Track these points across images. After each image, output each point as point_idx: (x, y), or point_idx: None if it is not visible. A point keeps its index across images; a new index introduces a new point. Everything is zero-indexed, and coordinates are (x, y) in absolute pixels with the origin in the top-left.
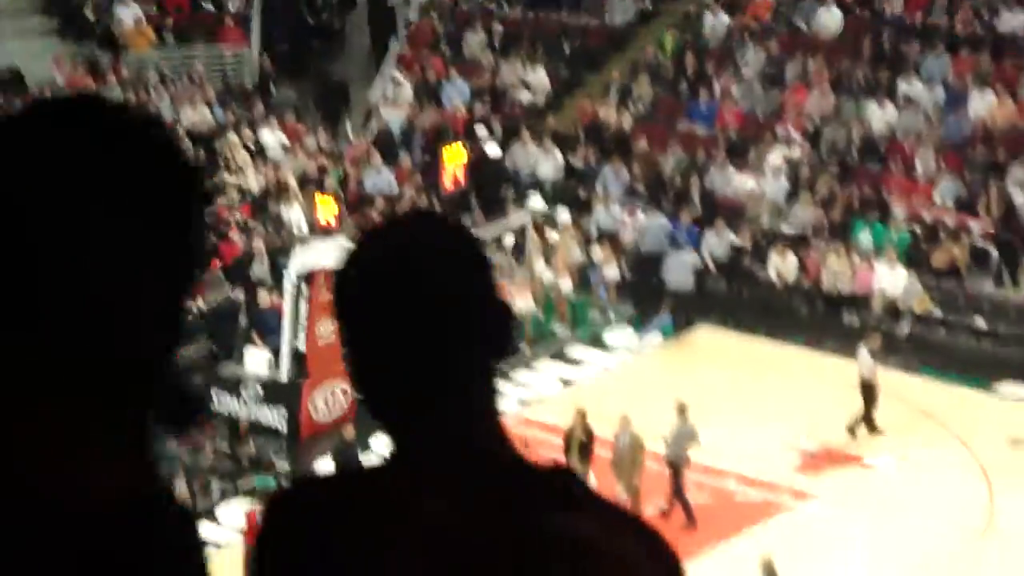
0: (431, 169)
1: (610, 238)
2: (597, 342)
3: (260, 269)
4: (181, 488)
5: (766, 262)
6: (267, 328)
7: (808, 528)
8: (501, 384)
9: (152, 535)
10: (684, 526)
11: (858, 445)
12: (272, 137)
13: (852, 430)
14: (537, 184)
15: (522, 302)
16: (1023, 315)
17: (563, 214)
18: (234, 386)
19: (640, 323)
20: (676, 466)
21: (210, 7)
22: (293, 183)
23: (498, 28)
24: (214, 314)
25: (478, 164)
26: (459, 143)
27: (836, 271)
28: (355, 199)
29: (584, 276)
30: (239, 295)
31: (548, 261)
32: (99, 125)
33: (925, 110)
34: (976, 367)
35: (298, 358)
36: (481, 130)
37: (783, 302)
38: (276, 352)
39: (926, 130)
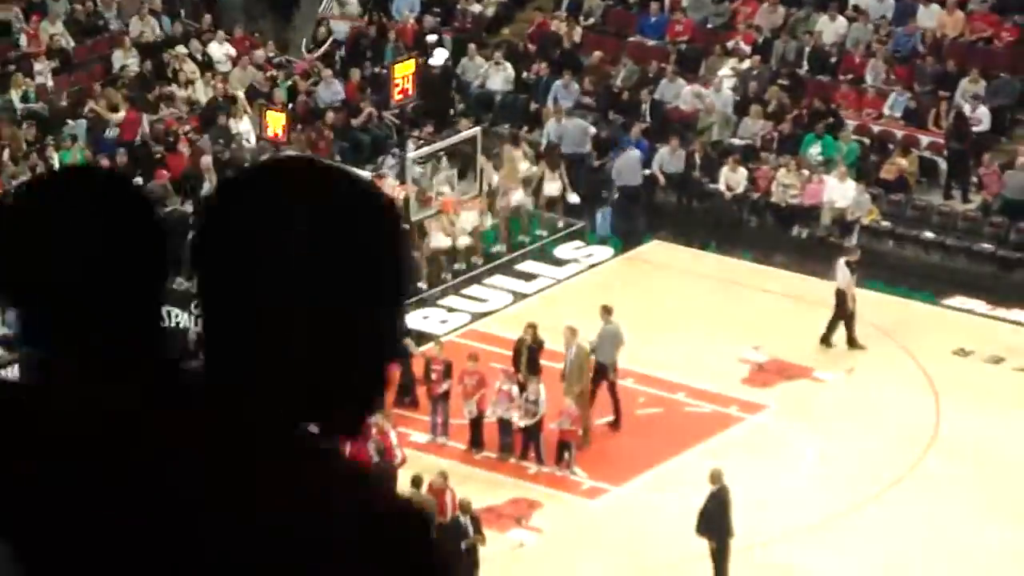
0: (380, 82)
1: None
2: (548, 256)
3: (208, 186)
4: None
5: (716, 175)
6: None
7: (757, 440)
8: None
9: None
10: (610, 425)
11: (809, 358)
12: (220, 49)
13: (827, 340)
14: (487, 97)
15: (473, 216)
16: (971, 227)
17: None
18: (184, 300)
19: (590, 235)
20: (604, 368)
21: None
22: (242, 96)
23: None
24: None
25: (427, 76)
26: (410, 58)
27: (786, 184)
28: (304, 112)
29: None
30: (187, 208)
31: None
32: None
33: (875, 22)
34: (924, 279)
35: None
36: (430, 39)
37: (733, 215)
38: None
39: (876, 42)
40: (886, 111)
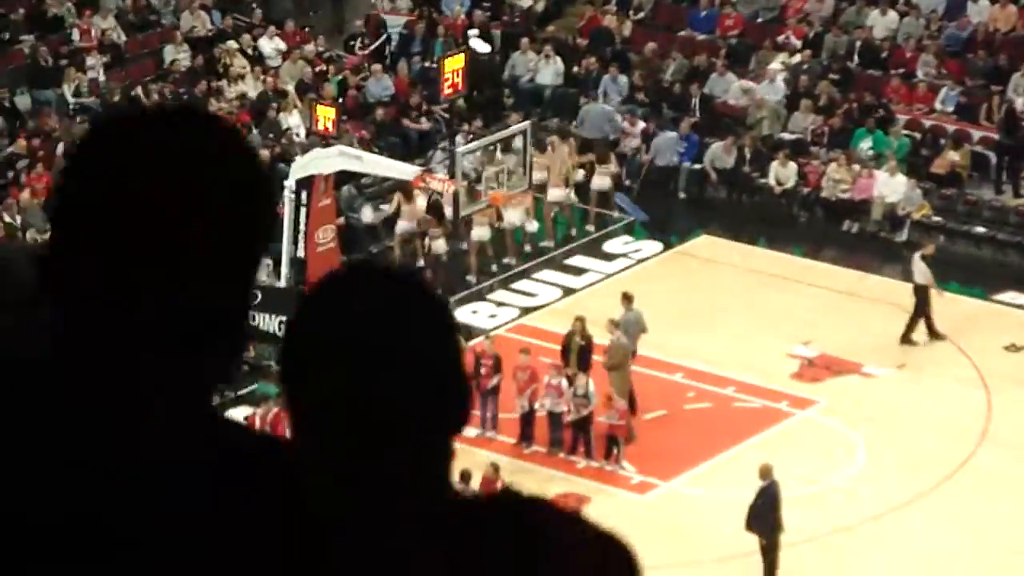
0: (430, 76)
1: (610, 146)
2: (597, 251)
3: None
4: None
5: (766, 170)
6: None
7: (807, 436)
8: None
9: None
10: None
11: (860, 354)
12: (270, 44)
13: (907, 338)
14: (537, 91)
15: (519, 212)
16: (1022, 222)
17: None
18: None
19: (641, 232)
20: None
21: None
22: (292, 90)
23: None
24: None
25: (476, 70)
26: (459, 52)
27: (836, 179)
28: (354, 106)
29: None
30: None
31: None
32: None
33: (926, 16)
34: (975, 275)
35: (297, 264)
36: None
37: (783, 210)
38: (275, 259)
39: (927, 36)
40: (937, 105)
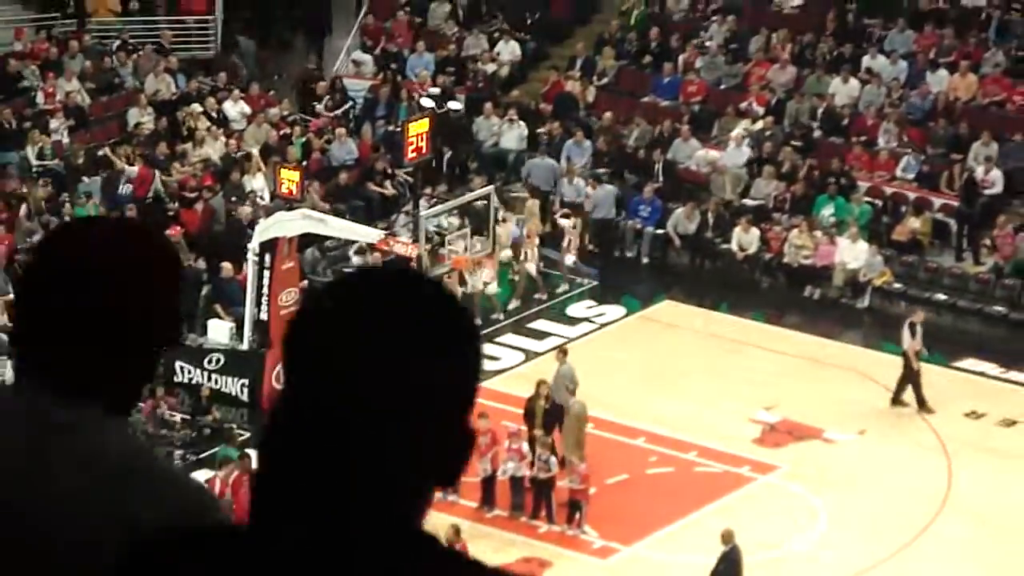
0: (394, 140)
1: (574, 210)
2: (561, 315)
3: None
4: None
5: (729, 235)
6: (229, 298)
7: (769, 501)
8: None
9: None
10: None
11: (821, 419)
12: (235, 107)
13: (897, 399)
14: (501, 155)
15: (484, 275)
16: (983, 290)
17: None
18: (197, 355)
19: (601, 296)
20: (559, 409)
21: None
22: (256, 153)
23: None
24: None
25: (448, 128)
26: (424, 116)
27: (798, 245)
28: (317, 169)
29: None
30: (201, 264)
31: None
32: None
33: (888, 85)
34: (936, 342)
35: (260, 327)
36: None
37: (746, 275)
38: (239, 322)
39: (888, 104)
40: (899, 173)
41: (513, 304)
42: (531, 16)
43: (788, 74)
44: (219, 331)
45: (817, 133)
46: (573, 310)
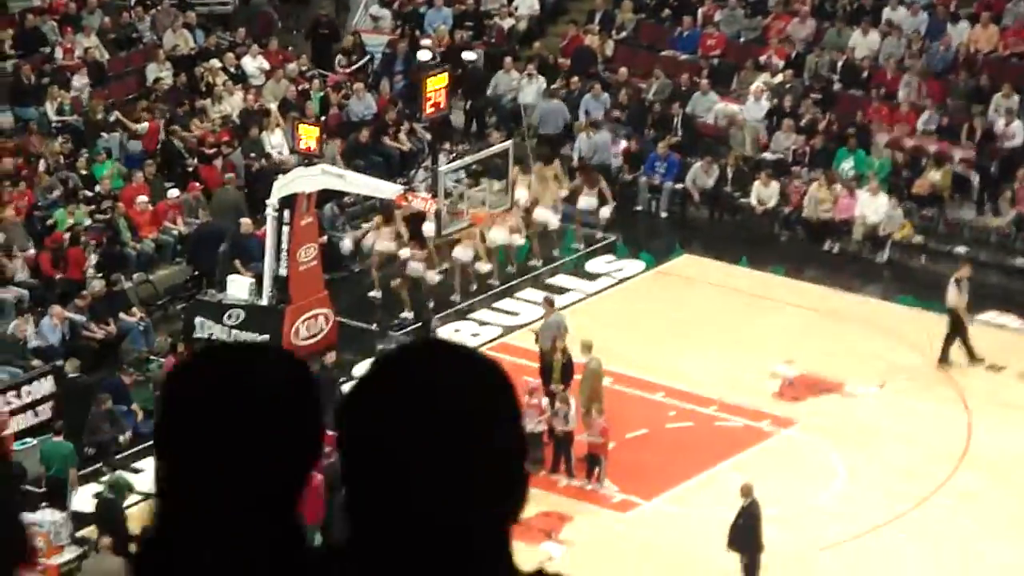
0: (412, 95)
1: (592, 165)
2: (580, 270)
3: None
4: None
5: (748, 190)
6: (249, 254)
7: (789, 455)
8: None
9: None
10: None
11: (841, 373)
12: (253, 62)
13: (944, 358)
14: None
15: (501, 231)
16: (1003, 243)
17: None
18: (216, 311)
19: (625, 251)
20: (546, 356)
21: None
22: (275, 109)
23: None
24: (196, 240)
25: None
26: (442, 71)
27: (818, 198)
28: (336, 125)
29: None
30: (221, 221)
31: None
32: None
33: (908, 37)
34: None
35: (279, 283)
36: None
37: (765, 230)
38: (258, 277)
39: (908, 57)
40: (919, 126)
41: (532, 261)
42: None
43: (808, 27)
44: (239, 287)
45: (837, 86)
46: (592, 265)
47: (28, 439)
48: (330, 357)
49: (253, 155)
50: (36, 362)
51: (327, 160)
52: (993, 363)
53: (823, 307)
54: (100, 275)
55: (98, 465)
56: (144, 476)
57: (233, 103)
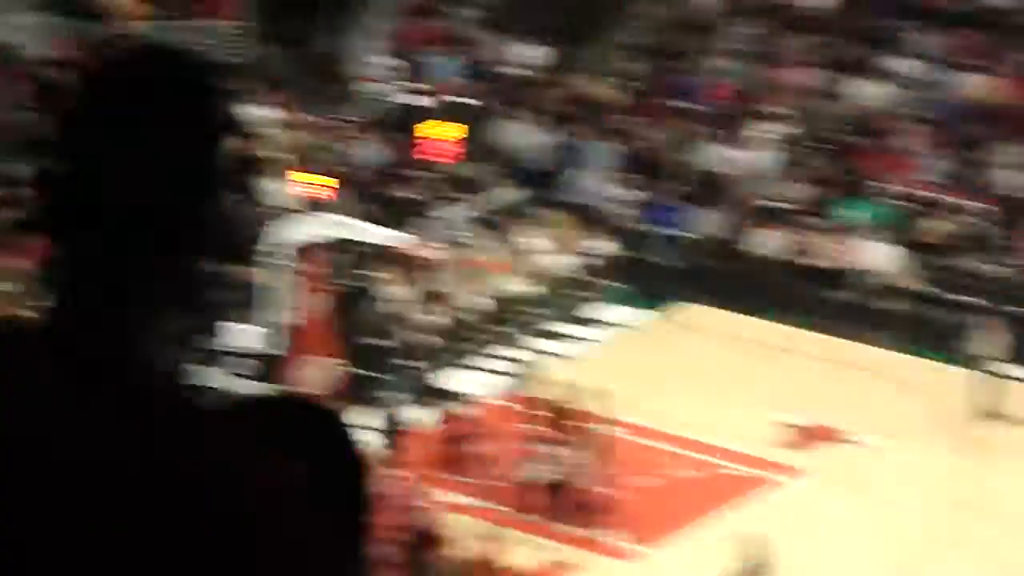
0: (418, 143)
1: (599, 214)
2: (585, 319)
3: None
4: None
5: (755, 239)
6: (257, 302)
7: (794, 503)
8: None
9: None
10: None
11: (847, 422)
12: (262, 111)
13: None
14: (527, 160)
15: (509, 280)
16: (1010, 292)
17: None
18: (222, 360)
19: (632, 299)
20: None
21: None
22: (284, 157)
23: (491, 2)
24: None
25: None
26: (448, 119)
27: (823, 247)
28: (346, 172)
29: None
30: (229, 268)
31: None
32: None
33: (913, 87)
34: (964, 343)
35: (289, 333)
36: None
37: (770, 279)
38: (265, 326)
39: (913, 107)
40: (925, 175)
41: (540, 308)
42: (558, 20)
43: (813, 77)
44: (248, 336)
45: (843, 136)
46: (598, 314)
47: None
48: (339, 407)
49: (265, 203)
50: None
51: (336, 209)
52: (1007, 414)
53: (831, 357)
54: None
55: None
56: None
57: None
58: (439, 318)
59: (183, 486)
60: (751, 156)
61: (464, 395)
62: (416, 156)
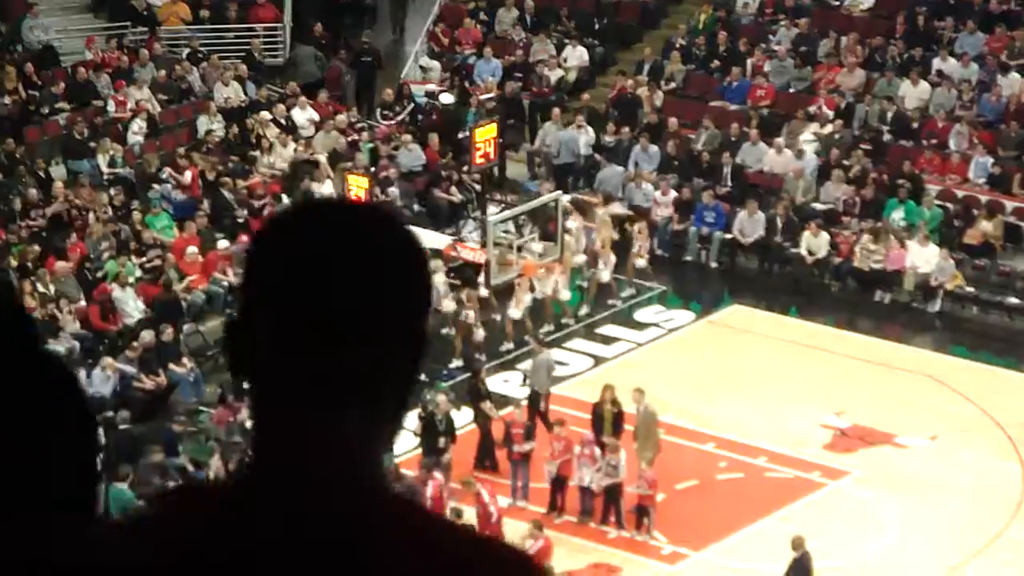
0: (461, 145)
1: (641, 215)
2: (629, 320)
3: None
4: (217, 463)
5: (798, 240)
6: None
7: (840, 507)
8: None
9: None
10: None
11: (892, 424)
12: (303, 114)
13: None
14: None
15: (551, 281)
16: None
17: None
18: None
19: (675, 300)
20: (537, 396)
21: None
22: (324, 160)
23: (530, 4)
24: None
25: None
26: (491, 122)
27: (868, 249)
28: (386, 175)
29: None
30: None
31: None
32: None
33: (958, 87)
34: (1009, 345)
35: None
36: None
37: (815, 280)
38: None
39: (959, 107)
40: (970, 176)
41: (583, 310)
42: (598, 21)
43: (857, 77)
44: None
45: (887, 136)
46: (641, 315)
47: None
48: None
49: None
50: None
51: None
52: None
53: (874, 358)
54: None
55: None
56: None
57: (283, 154)
58: (480, 319)
59: None
60: (795, 157)
61: (505, 397)
62: (457, 157)
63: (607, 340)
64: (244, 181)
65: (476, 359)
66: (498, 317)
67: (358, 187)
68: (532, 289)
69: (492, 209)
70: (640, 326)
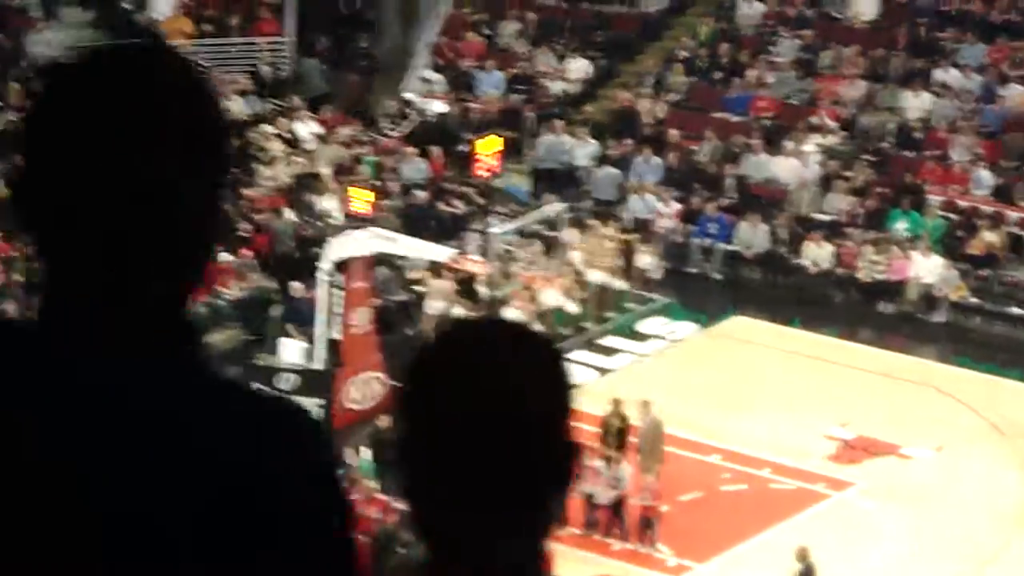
0: (465, 158)
1: (644, 227)
2: (632, 332)
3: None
4: None
5: (801, 251)
6: (301, 318)
7: (844, 518)
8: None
9: None
10: None
11: (896, 435)
12: (306, 127)
13: None
14: (571, 173)
15: (554, 293)
16: None
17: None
18: (268, 375)
19: (679, 311)
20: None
21: None
22: (327, 173)
23: (532, 17)
24: (247, 303)
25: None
26: (492, 133)
27: (871, 259)
28: (388, 188)
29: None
30: (272, 284)
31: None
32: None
33: (961, 98)
34: (1013, 356)
35: (333, 347)
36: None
37: (818, 291)
38: (311, 341)
39: (962, 118)
40: (972, 187)
41: (584, 321)
42: (601, 33)
43: (860, 88)
44: (291, 350)
45: (890, 147)
46: (644, 327)
47: None
48: (384, 421)
49: (306, 219)
50: None
51: (380, 223)
52: None
53: (878, 369)
54: None
55: None
56: None
57: (286, 168)
58: None
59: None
60: (798, 168)
61: None
62: (460, 170)
63: (609, 352)
64: (246, 193)
65: None
66: None
67: (360, 200)
68: (534, 301)
69: (494, 221)
70: (643, 337)
